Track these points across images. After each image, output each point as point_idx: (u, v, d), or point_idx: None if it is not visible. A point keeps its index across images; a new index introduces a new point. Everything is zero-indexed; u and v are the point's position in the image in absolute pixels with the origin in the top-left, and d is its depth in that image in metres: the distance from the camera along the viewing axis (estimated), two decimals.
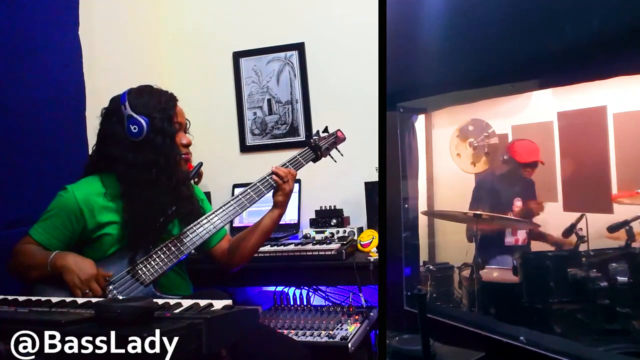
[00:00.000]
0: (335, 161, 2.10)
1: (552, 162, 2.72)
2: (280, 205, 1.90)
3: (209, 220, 1.79)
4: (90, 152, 1.88)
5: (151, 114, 1.70)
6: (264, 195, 1.88)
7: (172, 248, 1.73)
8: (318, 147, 2.02)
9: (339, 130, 2.10)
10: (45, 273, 1.60)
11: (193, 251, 1.82)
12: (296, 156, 1.96)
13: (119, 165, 1.71)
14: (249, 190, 1.86)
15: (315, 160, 2.02)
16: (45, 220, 1.69)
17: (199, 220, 1.78)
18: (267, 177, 1.88)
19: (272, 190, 1.88)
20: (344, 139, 2.11)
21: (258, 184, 1.87)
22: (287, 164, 1.93)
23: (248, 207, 1.86)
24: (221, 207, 1.82)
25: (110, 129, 1.73)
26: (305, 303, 2.47)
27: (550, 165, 2.72)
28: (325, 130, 2.09)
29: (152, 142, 1.69)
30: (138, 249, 1.70)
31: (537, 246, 2.66)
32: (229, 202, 1.83)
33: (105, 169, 1.75)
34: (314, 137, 2.04)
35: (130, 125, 1.68)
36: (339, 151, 2.11)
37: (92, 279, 1.59)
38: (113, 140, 1.72)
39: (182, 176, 1.77)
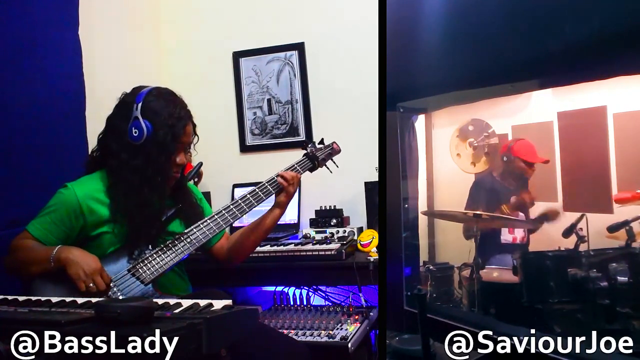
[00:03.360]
0: (331, 172, 2.15)
1: (552, 162, 2.71)
2: (281, 206, 1.93)
3: (210, 223, 1.79)
4: (90, 151, 1.87)
5: (157, 124, 1.67)
6: (263, 201, 1.90)
7: (173, 248, 1.73)
8: (315, 157, 2.07)
9: (334, 142, 2.15)
10: (48, 267, 1.59)
11: (194, 251, 1.82)
12: (294, 165, 2.00)
13: (111, 160, 1.71)
14: (248, 196, 1.86)
15: (312, 169, 2.07)
16: (44, 216, 1.68)
17: (200, 223, 1.79)
18: (274, 177, 1.91)
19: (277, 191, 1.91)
20: (339, 150, 2.16)
21: (266, 183, 1.89)
22: (290, 169, 1.96)
23: (247, 212, 1.87)
24: (221, 211, 1.82)
25: (115, 121, 1.72)
26: (305, 303, 2.47)
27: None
28: (322, 142, 2.13)
29: (148, 152, 1.67)
30: (136, 247, 1.69)
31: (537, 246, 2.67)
32: (229, 205, 1.84)
33: (103, 163, 1.75)
34: (311, 148, 2.09)
35: (133, 128, 1.66)
36: (334, 162, 2.15)
37: (97, 272, 1.59)
38: (114, 133, 1.71)
39: (168, 189, 1.76)
